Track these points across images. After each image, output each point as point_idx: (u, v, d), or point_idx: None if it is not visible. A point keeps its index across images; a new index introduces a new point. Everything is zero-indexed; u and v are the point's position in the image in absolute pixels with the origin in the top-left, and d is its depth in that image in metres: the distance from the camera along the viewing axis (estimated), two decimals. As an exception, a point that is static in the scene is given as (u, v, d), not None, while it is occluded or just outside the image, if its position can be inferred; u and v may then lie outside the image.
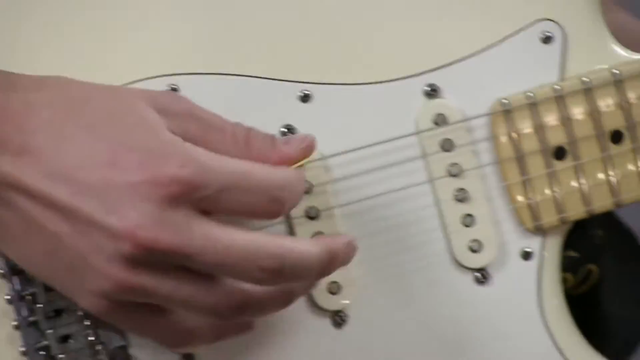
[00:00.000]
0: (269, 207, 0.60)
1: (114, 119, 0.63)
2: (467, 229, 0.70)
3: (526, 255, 0.70)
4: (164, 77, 0.67)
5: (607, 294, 0.85)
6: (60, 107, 0.64)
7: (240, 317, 0.63)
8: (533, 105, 0.64)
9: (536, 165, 0.66)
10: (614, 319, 0.87)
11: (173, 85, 0.67)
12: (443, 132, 0.66)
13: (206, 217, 0.58)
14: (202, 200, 0.58)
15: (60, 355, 0.69)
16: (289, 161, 0.63)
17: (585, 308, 0.76)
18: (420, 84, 0.67)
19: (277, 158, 0.63)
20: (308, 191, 0.68)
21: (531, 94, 0.62)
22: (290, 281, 0.60)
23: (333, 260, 0.61)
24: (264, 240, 0.58)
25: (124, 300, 0.59)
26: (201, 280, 0.59)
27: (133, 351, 0.69)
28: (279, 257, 0.58)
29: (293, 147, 0.64)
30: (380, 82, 0.67)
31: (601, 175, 0.63)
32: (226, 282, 0.60)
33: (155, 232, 0.56)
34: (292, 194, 0.62)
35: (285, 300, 0.63)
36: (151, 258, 0.57)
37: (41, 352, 0.69)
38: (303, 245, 0.61)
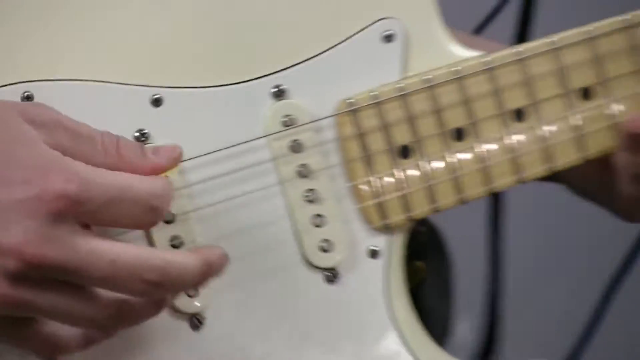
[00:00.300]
0: (147, 217, 0.62)
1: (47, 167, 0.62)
2: (318, 229, 0.72)
3: (374, 254, 0.72)
4: (18, 85, 0.67)
5: (426, 289, 0.91)
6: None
7: (117, 327, 0.64)
8: (377, 105, 0.65)
9: (383, 165, 0.68)
10: (432, 313, 0.91)
11: (27, 92, 0.66)
12: (291, 134, 0.67)
13: (88, 230, 0.60)
14: (85, 214, 0.59)
15: None
16: (158, 170, 0.64)
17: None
18: (267, 86, 0.69)
19: (147, 168, 0.64)
20: (162, 196, 0.71)
21: (375, 93, 0.64)
22: (169, 292, 0.62)
23: (209, 271, 0.63)
24: (147, 254, 0.60)
25: (2, 314, 0.61)
26: (81, 293, 0.60)
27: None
28: (161, 270, 0.59)
29: (162, 157, 0.65)
30: (229, 84, 0.68)
31: (445, 173, 0.67)
32: (106, 294, 0.61)
33: (42, 249, 0.57)
34: (166, 203, 0.63)
35: (159, 308, 0.64)
36: (36, 274, 0.58)
37: None
38: (182, 257, 0.63)
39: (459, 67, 0.66)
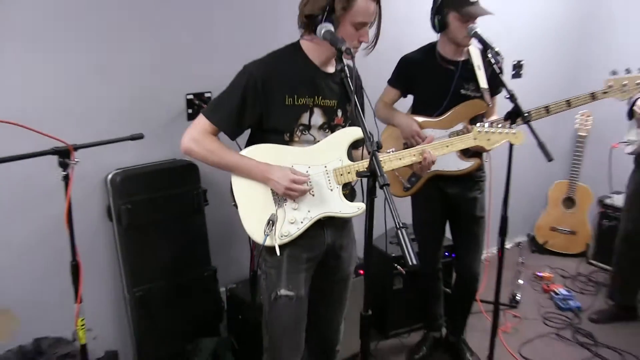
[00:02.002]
0: (301, 191, 2.12)
1: (283, 172, 2.09)
2: (330, 183, 2.15)
3: (335, 186, 2.12)
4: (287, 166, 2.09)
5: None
6: (272, 167, 2.10)
7: (301, 195, 2.11)
8: (342, 168, 2.20)
9: (342, 174, 2.13)
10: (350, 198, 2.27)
11: (293, 165, 2.07)
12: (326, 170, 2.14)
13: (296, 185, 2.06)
14: (296, 185, 2.07)
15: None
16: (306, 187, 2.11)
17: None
18: (323, 166, 2.12)
19: (303, 183, 2.11)
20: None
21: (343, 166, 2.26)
22: (303, 194, 2.13)
23: (305, 191, 2.12)
24: (301, 187, 2.09)
25: (284, 192, 2.07)
26: (293, 193, 2.09)
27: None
28: (302, 191, 2.10)
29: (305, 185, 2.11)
30: (320, 164, 2.13)
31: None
32: (296, 192, 2.09)
33: (288, 186, 2.06)
34: (304, 192, 2.13)
35: (303, 194, 2.13)
36: (287, 190, 2.06)
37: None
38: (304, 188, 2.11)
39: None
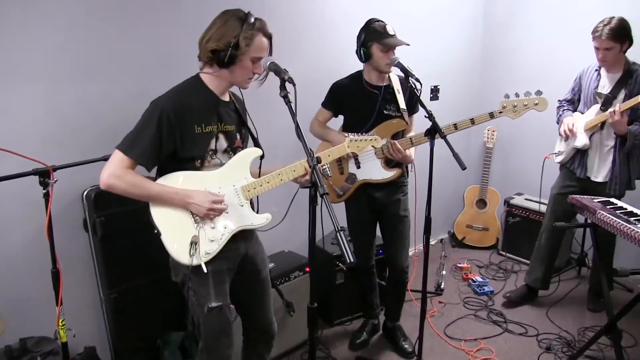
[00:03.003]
0: (218, 211, 2.00)
1: (203, 195, 1.97)
2: (239, 199, 2.04)
3: (244, 201, 2.03)
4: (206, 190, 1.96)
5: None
6: (192, 192, 1.95)
7: (217, 214, 2.00)
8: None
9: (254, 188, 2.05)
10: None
11: (207, 189, 1.93)
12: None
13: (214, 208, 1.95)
14: (215, 206, 1.96)
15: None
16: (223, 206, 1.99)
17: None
18: (240, 181, 2.04)
19: (222, 203, 1.99)
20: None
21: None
22: (221, 213, 2.02)
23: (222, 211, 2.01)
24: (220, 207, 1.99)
25: (206, 213, 1.96)
26: (213, 212, 1.98)
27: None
28: (223, 208, 2.01)
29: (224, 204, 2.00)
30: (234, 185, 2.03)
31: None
32: (216, 212, 1.99)
33: (208, 207, 1.96)
34: (222, 210, 2.02)
35: (220, 213, 2.01)
36: (208, 211, 1.95)
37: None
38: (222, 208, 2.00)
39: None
